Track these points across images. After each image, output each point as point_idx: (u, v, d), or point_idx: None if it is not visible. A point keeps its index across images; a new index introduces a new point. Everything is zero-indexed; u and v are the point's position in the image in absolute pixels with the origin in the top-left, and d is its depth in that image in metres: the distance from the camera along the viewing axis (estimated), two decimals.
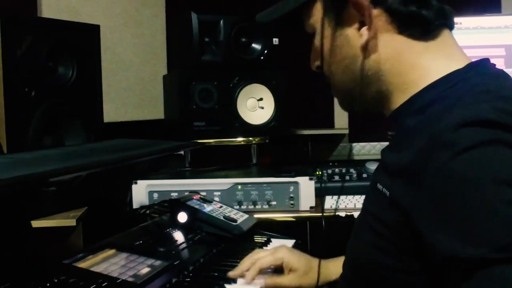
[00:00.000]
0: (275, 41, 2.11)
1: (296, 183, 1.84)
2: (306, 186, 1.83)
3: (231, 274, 1.27)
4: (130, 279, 1.14)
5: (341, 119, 2.69)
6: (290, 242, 1.59)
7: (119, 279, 1.11)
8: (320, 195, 1.92)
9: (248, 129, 2.11)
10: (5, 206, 1.09)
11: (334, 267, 1.27)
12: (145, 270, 1.20)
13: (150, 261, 1.25)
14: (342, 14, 0.93)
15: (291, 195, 1.83)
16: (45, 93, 1.69)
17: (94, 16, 2.33)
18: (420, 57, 0.90)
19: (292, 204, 1.83)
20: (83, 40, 1.83)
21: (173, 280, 1.22)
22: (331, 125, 2.70)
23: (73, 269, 1.14)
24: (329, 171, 2.05)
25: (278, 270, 1.32)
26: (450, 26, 0.94)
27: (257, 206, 1.84)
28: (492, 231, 0.67)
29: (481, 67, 0.90)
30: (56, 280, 1.06)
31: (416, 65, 0.90)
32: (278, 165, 2.10)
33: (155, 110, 2.47)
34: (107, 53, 2.39)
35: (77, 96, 1.79)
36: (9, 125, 1.59)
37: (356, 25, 0.92)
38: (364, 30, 0.90)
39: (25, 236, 1.18)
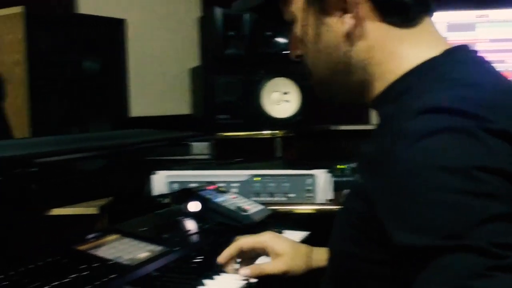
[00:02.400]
0: None
1: (313, 175, 1.82)
2: (323, 179, 1.81)
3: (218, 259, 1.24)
4: (125, 262, 1.17)
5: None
6: (304, 234, 1.58)
7: (112, 261, 1.14)
8: (341, 189, 1.89)
9: (272, 122, 2.11)
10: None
11: (325, 254, 1.23)
12: (144, 254, 1.23)
13: (151, 247, 1.28)
14: (325, 1, 0.92)
15: (309, 188, 1.82)
16: (70, 86, 1.76)
17: (130, 11, 2.37)
18: (400, 45, 0.89)
19: (309, 196, 1.82)
20: (108, 34, 1.89)
21: (171, 266, 1.23)
22: (366, 120, 2.65)
23: (70, 251, 1.18)
24: (352, 166, 2.02)
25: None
26: (431, 13, 0.92)
27: (274, 198, 1.84)
28: (441, 219, 0.66)
29: (457, 53, 0.87)
30: (50, 260, 1.11)
31: (395, 53, 0.89)
32: (303, 159, 2.09)
33: (187, 104, 2.50)
34: (140, 48, 2.44)
35: (102, 90, 1.85)
36: (34, 117, 1.66)
37: (339, 13, 0.90)
38: (347, 17, 0.89)
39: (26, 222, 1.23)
